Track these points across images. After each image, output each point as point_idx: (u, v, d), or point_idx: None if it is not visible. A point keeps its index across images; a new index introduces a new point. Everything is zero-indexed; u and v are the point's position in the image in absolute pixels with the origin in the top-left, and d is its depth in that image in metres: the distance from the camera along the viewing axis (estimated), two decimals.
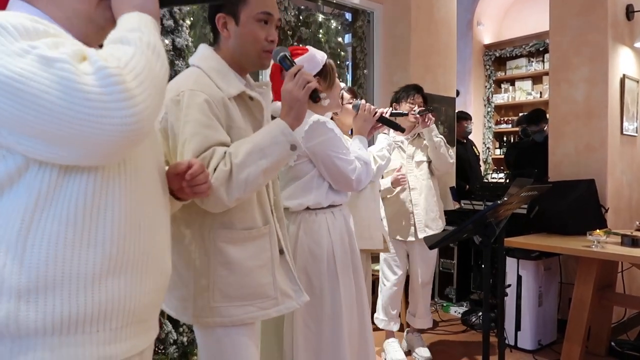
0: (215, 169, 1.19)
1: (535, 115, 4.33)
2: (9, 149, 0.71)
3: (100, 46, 0.77)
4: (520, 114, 5.70)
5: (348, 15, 4.23)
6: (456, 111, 4.52)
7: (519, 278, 3.06)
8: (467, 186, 4.37)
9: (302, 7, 3.84)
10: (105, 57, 0.70)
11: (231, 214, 1.29)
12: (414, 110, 2.83)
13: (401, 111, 2.74)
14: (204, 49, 1.40)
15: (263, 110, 1.37)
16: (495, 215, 1.79)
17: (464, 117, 4.79)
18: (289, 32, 3.70)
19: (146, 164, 0.88)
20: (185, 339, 2.17)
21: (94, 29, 0.85)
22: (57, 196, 0.72)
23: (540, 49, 5.77)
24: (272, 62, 1.43)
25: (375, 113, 2.09)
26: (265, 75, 3.42)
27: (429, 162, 2.97)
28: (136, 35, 0.75)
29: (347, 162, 1.79)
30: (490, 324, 1.78)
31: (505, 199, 1.73)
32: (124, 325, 0.80)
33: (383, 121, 2.14)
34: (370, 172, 1.91)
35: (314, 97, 1.31)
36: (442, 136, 2.94)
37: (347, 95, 2.40)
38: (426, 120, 2.82)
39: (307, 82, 1.29)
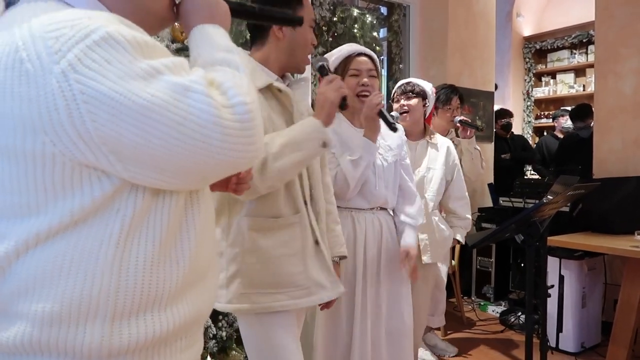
0: None
1: (582, 110, 4.17)
2: (112, 174, 0.65)
3: None
4: (561, 108, 5.52)
5: (383, 9, 4.18)
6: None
7: (561, 278, 2.96)
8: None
9: (337, 1, 3.82)
10: (230, 85, 0.67)
11: (257, 202, 1.33)
12: (455, 119, 2.97)
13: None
14: None
15: (291, 101, 1.42)
16: (539, 214, 1.74)
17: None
18: (324, 27, 3.68)
19: None
20: (224, 334, 2.20)
21: (156, 31, 0.82)
22: (148, 217, 0.69)
23: (584, 40, 5.55)
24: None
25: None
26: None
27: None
28: (236, 58, 0.73)
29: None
30: (533, 325, 1.72)
31: (551, 197, 1.68)
32: (196, 330, 0.81)
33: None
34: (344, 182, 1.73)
35: (343, 104, 1.39)
36: (479, 147, 3.06)
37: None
38: (468, 133, 2.96)
39: (340, 87, 1.39)
